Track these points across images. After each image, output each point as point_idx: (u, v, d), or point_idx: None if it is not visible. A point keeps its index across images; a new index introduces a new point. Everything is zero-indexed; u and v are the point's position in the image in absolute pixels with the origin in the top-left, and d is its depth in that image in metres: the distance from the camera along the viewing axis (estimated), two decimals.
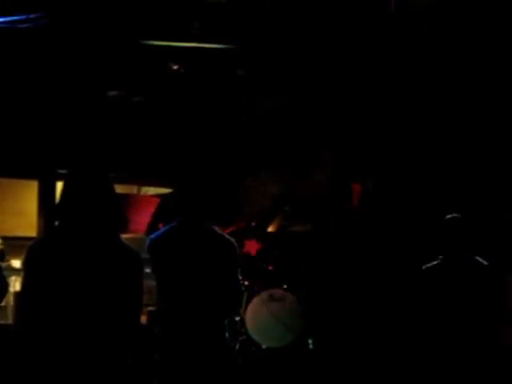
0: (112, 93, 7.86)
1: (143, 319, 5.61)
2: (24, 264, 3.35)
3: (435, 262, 4.91)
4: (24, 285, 3.34)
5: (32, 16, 6.53)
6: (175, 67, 7.61)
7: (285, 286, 7.14)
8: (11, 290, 7.04)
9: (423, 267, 4.92)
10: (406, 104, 7.54)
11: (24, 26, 6.62)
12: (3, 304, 6.87)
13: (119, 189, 8.12)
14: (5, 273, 4.52)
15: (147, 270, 3.80)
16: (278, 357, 6.91)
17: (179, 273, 4.03)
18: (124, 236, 3.50)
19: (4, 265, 6.98)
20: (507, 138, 6.94)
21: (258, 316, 6.99)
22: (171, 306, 4.04)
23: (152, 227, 4.25)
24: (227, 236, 4.20)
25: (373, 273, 6.42)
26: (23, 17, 6.54)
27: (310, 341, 7.07)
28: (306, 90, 8.01)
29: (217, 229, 4.16)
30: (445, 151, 7.33)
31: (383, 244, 6.56)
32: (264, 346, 6.96)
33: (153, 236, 4.14)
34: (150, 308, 5.51)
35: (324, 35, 7.07)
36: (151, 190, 8.80)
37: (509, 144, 6.93)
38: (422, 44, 7.08)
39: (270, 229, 7.69)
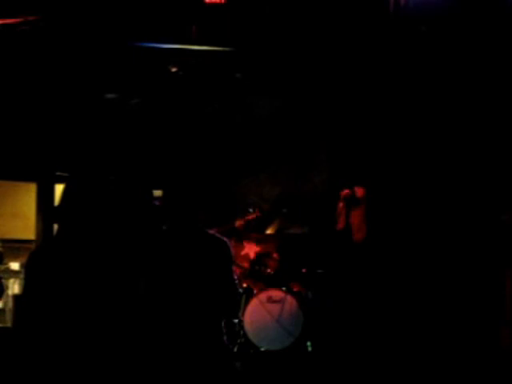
0: (110, 95, 7.87)
1: None
2: (25, 270, 3.36)
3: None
4: (25, 290, 3.35)
5: (30, 19, 6.54)
6: (173, 69, 7.62)
7: (283, 288, 7.15)
8: (10, 292, 7.06)
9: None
10: (404, 106, 7.55)
11: (22, 28, 6.62)
12: (2, 307, 6.88)
13: None
14: (3, 275, 4.51)
15: None
16: (277, 359, 6.91)
17: (171, 276, 3.97)
18: None
19: (3, 267, 7.01)
20: (506, 141, 6.94)
21: (256, 318, 7.00)
22: (165, 311, 3.99)
23: None
24: (219, 236, 4.13)
25: (372, 275, 6.42)
26: (21, 20, 6.55)
27: (308, 343, 7.07)
28: (303, 91, 8.02)
29: (208, 230, 4.09)
30: (444, 153, 7.34)
31: (383, 247, 6.56)
32: (262, 349, 6.96)
33: None
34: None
35: (322, 38, 7.08)
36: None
37: (507, 148, 6.93)
38: (419, 46, 7.09)
39: (269, 231, 7.69)
